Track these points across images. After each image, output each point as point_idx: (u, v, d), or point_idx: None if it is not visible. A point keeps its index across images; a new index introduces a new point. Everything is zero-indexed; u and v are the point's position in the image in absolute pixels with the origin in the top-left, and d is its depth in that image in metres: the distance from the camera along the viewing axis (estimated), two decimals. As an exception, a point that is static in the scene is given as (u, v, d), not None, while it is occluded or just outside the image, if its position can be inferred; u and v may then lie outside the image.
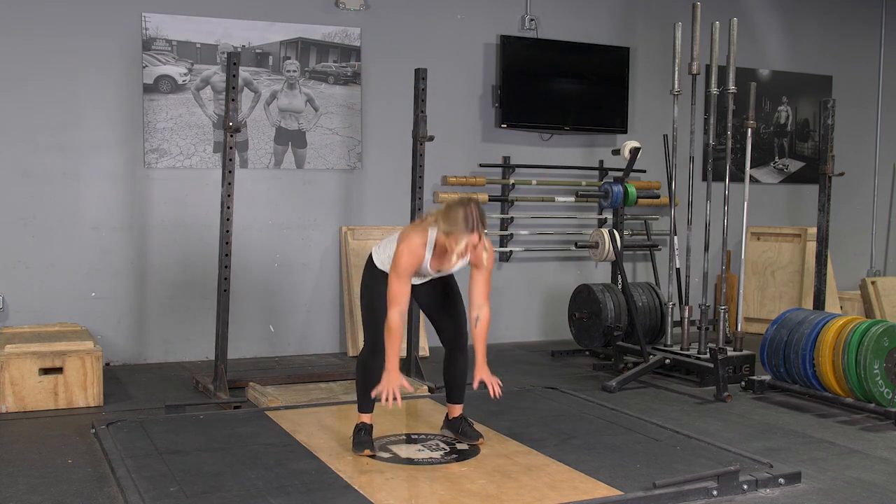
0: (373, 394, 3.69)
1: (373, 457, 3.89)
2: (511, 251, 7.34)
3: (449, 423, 4.23)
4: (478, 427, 4.19)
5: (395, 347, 3.75)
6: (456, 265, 3.89)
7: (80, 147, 6.10)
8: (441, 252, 3.81)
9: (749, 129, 6.03)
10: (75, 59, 6.05)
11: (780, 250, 7.93)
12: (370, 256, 4.06)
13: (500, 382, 3.90)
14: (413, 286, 4.00)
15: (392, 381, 3.70)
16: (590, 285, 6.62)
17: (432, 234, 3.79)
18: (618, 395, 5.44)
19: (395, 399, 3.68)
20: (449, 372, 4.15)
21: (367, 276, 4.04)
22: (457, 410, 4.20)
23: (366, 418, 4.05)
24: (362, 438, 3.99)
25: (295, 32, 6.60)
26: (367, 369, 4.01)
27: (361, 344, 6.47)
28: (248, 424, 4.44)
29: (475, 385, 3.87)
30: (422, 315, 6.14)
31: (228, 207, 5.09)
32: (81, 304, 6.11)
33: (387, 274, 3.88)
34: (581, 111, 7.47)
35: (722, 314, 5.95)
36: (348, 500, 3.40)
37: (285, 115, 6.61)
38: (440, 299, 4.12)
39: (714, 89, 5.98)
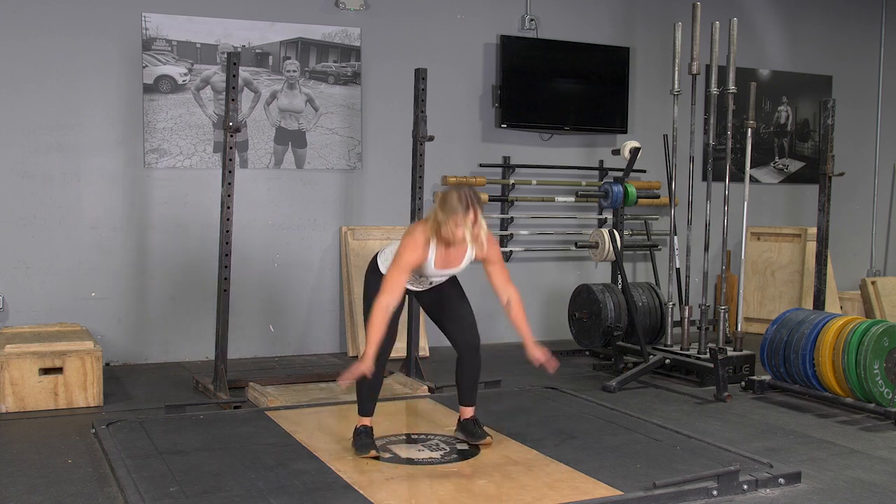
0: (339, 380, 3.71)
1: (377, 458, 3.88)
2: (511, 251, 7.34)
3: (461, 424, 4.20)
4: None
5: (377, 334, 3.71)
6: (462, 264, 3.91)
7: (80, 147, 6.10)
8: (445, 248, 3.84)
9: (749, 129, 6.03)
10: (75, 59, 6.05)
11: (780, 250, 7.93)
12: (374, 262, 4.06)
13: (556, 363, 3.97)
14: (420, 293, 4.02)
15: (360, 369, 3.67)
16: (590, 285, 6.62)
17: (433, 238, 3.84)
18: (618, 395, 5.44)
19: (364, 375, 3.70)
20: (460, 375, 4.12)
21: (370, 282, 4.02)
22: (468, 412, 4.17)
23: (366, 421, 4.03)
24: (364, 441, 3.97)
25: (295, 32, 6.60)
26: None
27: (361, 344, 6.50)
28: (248, 424, 4.44)
29: (536, 363, 3.93)
30: (422, 315, 6.15)
31: (228, 207, 5.09)
32: (81, 304, 6.11)
33: None
34: (581, 111, 7.47)
35: (722, 314, 5.94)
36: (348, 500, 3.40)
37: (285, 115, 6.61)
38: (446, 306, 4.10)
39: (714, 89, 5.98)
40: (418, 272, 3.92)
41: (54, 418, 4.75)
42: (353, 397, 4.38)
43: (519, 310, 3.98)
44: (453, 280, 4.12)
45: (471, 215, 3.73)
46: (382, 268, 3.98)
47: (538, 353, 3.92)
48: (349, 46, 6.75)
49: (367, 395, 4.03)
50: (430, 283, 4.05)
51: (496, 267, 3.98)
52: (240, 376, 5.60)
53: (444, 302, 4.11)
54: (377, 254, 4.10)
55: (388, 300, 3.74)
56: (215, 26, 6.37)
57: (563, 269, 7.59)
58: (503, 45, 7.13)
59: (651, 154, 7.44)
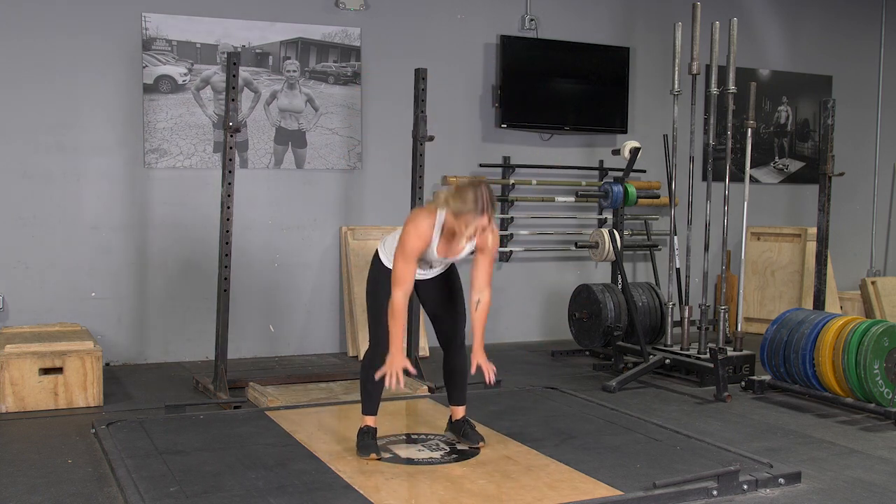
0: (377, 375, 3.66)
1: (379, 460, 3.89)
2: (511, 251, 7.34)
3: (452, 425, 4.22)
4: (479, 428, 4.18)
5: (400, 329, 3.71)
6: (463, 251, 3.86)
7: (80, 147, 6.10)
8: (449, 236, 3.79)
9: (749, 129, 6.03)
10: (75, 59, 6.05)
11: (780, 250, 7.93)
12: (376, 254, 4.01)
13: (494, 369, 3.87)
14: (418, 282, 3.96)
15: (396, 364, 3.66)
16: (590, 285, 6.62)
17: (440, 216, 3.75)
18: (618, 395, 5.44)
19: (397, 381, 3.66)
20: (448, 373, 4.14)
21: (373, 274, 3.99)
22: (459, 412, 4.19)
23: (370, 421, 4.01)
24: (367, 442, 3.95)
25: (295, 32, 6.60)
26: (371, 371, 3.98)
27: (361, 344, 6.51)
28: (248, 424, 4.44)
29: (472, 370, 3.85)
30: (422, 315, 6.15)
31: (228, 207, 5.09)
32: (81, 304, 6.11)
33: (391, 271, 3.86)
34: (581, 111, 7.47)
35: (722, 314, 5.94)
36: (348, 500, 3.40)
37: (285, 115, 6.61)
38: (444, 299, 4.09)
39: (714, 89, 5.98)
40: (420, 257, 3.86)
41: (54, 418, 4.75)
42: (353, 397, 4.39)
43: (483, 313, 3.89)
44: (454, 272, 4.10)
45: (483, 219, 3.65)
46: (385, 259, 3.93)
47: (480, 360, 3.84)
48: (349, 46, 6.75)
49: (373, 391, 3.99)
50: (431, 267, 3.98)
51: (486, 259, 3.87)
52: (240, 376, 5.60)
53: (442, 295, 4.07)
54: (379, 246, 4.03)
55: (402, 293, 3.71)
56: (215, 26, 6.37)
57: (563, 269, 7.59)
58: (503, 45, 7.13)
59: (651, 154, 7.45)
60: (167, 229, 6.33)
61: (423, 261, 3.90)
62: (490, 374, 3.85)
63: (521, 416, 4.66)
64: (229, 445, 4.06)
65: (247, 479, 3.61)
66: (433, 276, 4.04)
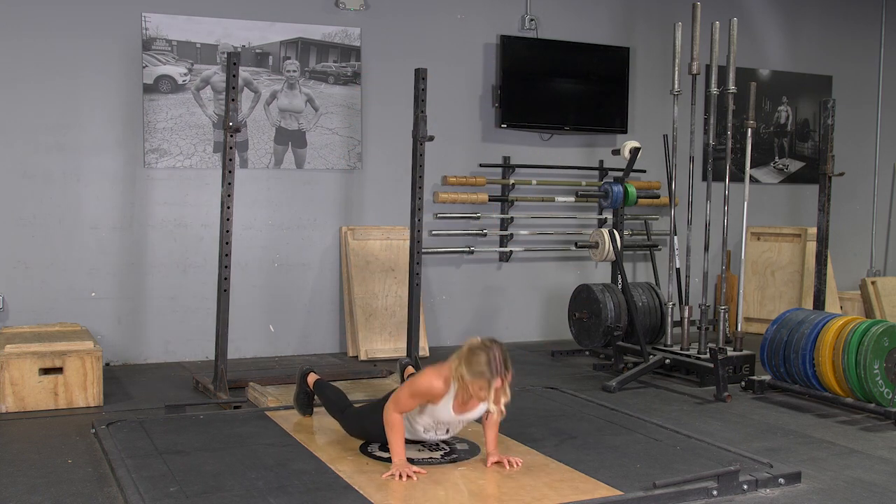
0: (384, 476, 3.61)
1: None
2: (511, 251, 7.33)
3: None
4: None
5: (400, 440, 3.69)
6: (479, 409, 3.75)
7: (80, 147, 6.10)
8: (464, 399, 3.65)
9: (749, 129, 6.03)
10: (75, 59, 6.05)
11: (780, 250, 7.93)
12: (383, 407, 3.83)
13: (518, 461, 3.79)
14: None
15: (403, 467, 3.62)
16: (590, 285, 6.62)
17: (453, 387, 3.64)
18: (618, 395, 5.44)
19: (409, 477, 3.59)
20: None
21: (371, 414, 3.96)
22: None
23: (313, 377, 4.44)
24: (303, 400, 4.49)
25: (295, 32, 6.60)
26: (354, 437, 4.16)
27: (361, 344, 6.52)
28: (248, 424, 4.44)
29: (488, 464, 3.78)
30: (422, 316, 6.15)
31: (228, 207, 5.09)
32: (81, 304, 6.11)
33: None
34: (581, 111, 7.47)
35: (722, 314, 5.94)
36: (348, 500, 3.40)
37: (285, 115, 6.61)
38: None
39: (714, 89, 5.98)
40: (434, 417, 3.76)
41: (54, 418, 4.75)
42: (352, 397, 4.39)
43: (494, 423, 3.80)
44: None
45: (498, 381, 3.52)
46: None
47: (496, 459, 3.78)
48: (349, 46, 6.75)
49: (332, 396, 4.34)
50: (447, 432, 3.88)
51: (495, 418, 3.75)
52: (240, 376, 5.59)
53: None
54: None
55: (400, 415, 3.69)
56: (215, 26, 6.37)
57: (563, 269, 7.59)
58: (503, 45, 7.13)
59: (651, 154, 7.45)
60: (167, 229, 6.33)
61: (440, 423, 3.80)
62: (514, 463, 3.78)
63: (521, 416, 4.65)
64: (229, 445, 4.06)
65: (247, 479, 3.61)
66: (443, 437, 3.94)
